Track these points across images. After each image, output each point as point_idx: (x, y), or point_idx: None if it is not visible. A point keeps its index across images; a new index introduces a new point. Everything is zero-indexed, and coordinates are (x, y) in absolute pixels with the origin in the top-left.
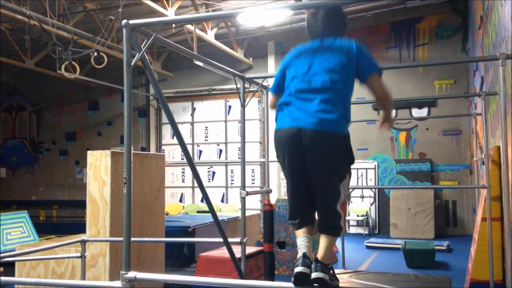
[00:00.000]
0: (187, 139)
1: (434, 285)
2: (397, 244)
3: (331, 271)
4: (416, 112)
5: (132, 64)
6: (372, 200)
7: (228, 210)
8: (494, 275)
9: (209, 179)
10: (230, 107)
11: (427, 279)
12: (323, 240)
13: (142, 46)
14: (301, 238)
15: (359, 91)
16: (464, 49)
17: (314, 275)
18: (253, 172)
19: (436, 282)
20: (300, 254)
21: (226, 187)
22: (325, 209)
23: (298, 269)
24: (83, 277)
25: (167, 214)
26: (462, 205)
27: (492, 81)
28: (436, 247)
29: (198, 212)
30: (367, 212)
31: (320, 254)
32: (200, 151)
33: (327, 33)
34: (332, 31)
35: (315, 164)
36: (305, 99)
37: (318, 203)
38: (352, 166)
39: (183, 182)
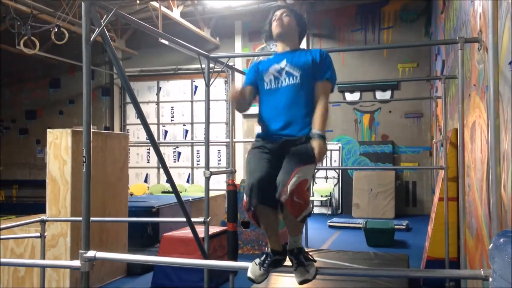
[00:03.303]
0: (152, 119)
1: (393, 263)
2: (358, 223)
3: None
4: (379, 95)
5: (91, 39)
6: (335, 181)
7: (193, 191)
8: (449, 253)
9: (174, 159)
10: (196, 87)
11: (386, 257)
12: None
13: (102, 21)
14: None
15: None
16: (428, 33)
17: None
18: (219, 152)
19: (394, 260)
20: None
21: (192, 168)
22: None
23: None
24: (43, 257)
25: (131, 195)
26: (422, 186)
27: (452, 65)
28: (396, 226)
29: (163, 192)
30: (330, 192)
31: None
32: (166, 131)
33: None
34: None
35: None
36: None
37: None
38: None
39: (148, 162)
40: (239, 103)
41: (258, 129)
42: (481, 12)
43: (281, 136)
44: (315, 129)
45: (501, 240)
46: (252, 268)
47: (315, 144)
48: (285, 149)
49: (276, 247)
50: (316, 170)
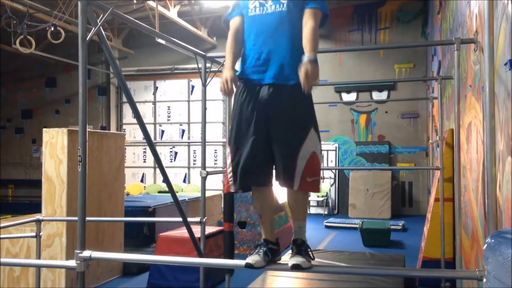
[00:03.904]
0: (149, 119)
1: (389, 263)
2: (355, 223)
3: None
4: (376, 95)
5: (87, 38)
6: (332, 181)
7: (190, 191)
8: (445, 253)
9: (171, 159)
10: (193, 87)
11: (382, 257)
12: None
13: (98, 21)
14: None
15: (321, 74)
16: (424, 33)
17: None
18: (215, 152)
19: (390, 260)
20: None
21: (188, 168)
22: None
23: None
24: (38, 257)
25: (127, 194)
26: (418, 186)
27: (448, 66)
28: (392, 227)
29: (159, 192)
30: (327, 192)
31: None
32: (162, 131)
33: None
34: None
35: None
36: None
37: None
38: None
39: (145, 162)
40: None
41: None
42: (477, 13)
43: (266, 83)
44: (305, 53)
45: (495, 241)
46: (249, 257)
47: (302, 68)
48: (269, 106)
49: (269, 237)
50: None
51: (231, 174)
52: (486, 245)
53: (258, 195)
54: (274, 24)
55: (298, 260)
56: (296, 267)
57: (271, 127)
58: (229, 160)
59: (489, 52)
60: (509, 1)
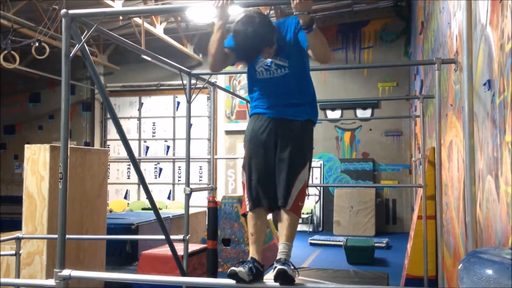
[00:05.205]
0: (133, 135)
1: (372, 281)
2: (339, 241)
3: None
4: (360, 113)
5: (71, 55)
6: (317, 198)
7: (174, 207)
8: (428, 271)
9: (155, 175)
10: (178, 103)
11: (366, 275)
12: None
13: (82, 37)
14: None
15: None
16: (407, 53)
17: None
18: (200, 169)
19: (374, 278)
20: None
21: (173, 184)
22: None
23: None
24: (18, 276)
25: (110, 211)
26: (402, 204)
27: (430, 85)
28: (376, 244)
29: (143, 209)
30: (312, 210)
31: None
32: (147, 147)
33: None
34: None
35: None
36: None
37: None
38: None
39: (129, 178)
40: (219, 49)
41: (240, 146)
42: (457, 34)
43: (278, 117)
44: None
45: (470, 260)
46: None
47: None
48: (279, 135)
49: (257, 257)
50: None
51: (247, 197)
52: (461, 264)
53: (257, 214)
54: (281, 85)
55: (283, 267)
56: (281, 272)
57: (278, 150)
58: (245, 183)
59: (468, 72)
60: (488, 23)
